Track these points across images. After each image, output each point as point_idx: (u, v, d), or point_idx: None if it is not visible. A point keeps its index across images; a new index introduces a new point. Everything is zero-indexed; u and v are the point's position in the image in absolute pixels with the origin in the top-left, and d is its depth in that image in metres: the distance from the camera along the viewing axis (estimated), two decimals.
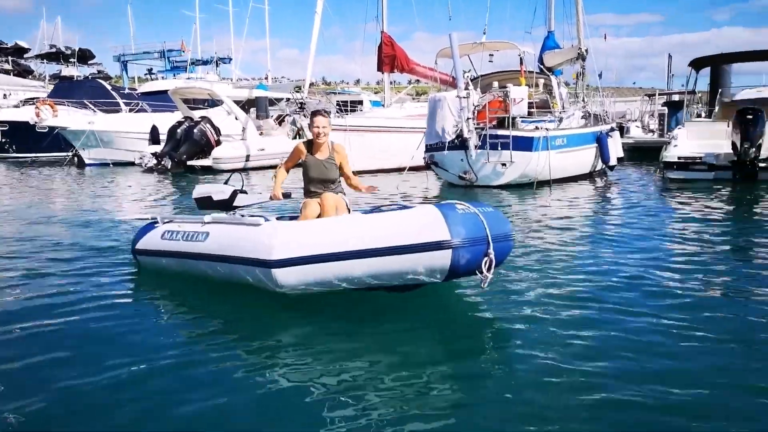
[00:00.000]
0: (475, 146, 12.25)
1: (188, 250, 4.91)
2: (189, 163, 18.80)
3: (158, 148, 19.08)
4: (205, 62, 40.82)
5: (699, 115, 16.12)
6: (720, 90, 16.08)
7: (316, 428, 2.80)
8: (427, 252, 3.88)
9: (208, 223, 4.94)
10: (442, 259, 3.88)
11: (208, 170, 18.44)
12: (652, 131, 24.59)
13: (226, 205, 5.21)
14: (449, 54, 13.07)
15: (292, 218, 5.07)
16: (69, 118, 21.93)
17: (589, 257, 6.09)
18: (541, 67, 16.23)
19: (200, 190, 5.42)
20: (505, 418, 2.89)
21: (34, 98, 27.80)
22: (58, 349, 3.79)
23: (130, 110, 24.78)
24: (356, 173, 5.08)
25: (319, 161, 4.80)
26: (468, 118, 12.22)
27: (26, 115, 23.27)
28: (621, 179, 14.41)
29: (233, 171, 5.64)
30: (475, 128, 12.33)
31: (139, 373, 3.43)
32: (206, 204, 5.32)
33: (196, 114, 20.47)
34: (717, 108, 15.27)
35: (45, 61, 39.96)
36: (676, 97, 24.55)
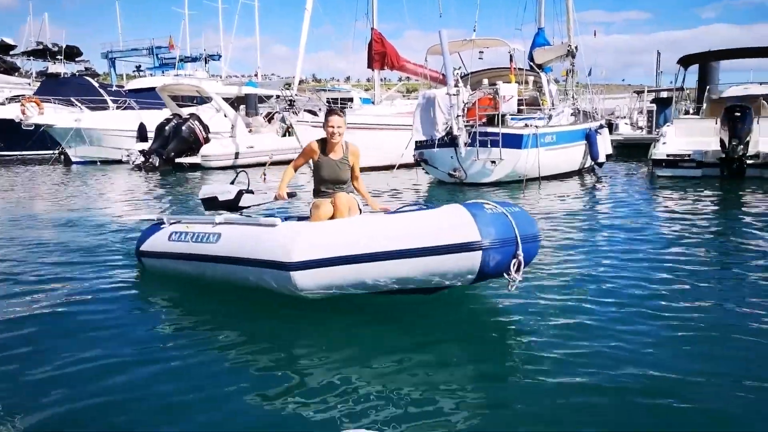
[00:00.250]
0: (465, 144, 12.24)
1: (198, 252, 4.69)
2: (177, 160, 18.68)
3: (146, 146, 18.95)
4: (194, 59, 40.53)
5: (687, 112, 16.23)
6: (708, 87, 16.21)
7: None
8: (456, 253, 3.72)
9: (220, 223, 4.73)
10: (472, 260, 3.72)
11: (196, 168, 18.33)
12: (641, 128, 24.74)
13: (232, 206, 5.06)
14: (439, 51, 13.04)
15: (300, 219, 4.91)
16: (55, 115, 21.73)
17: (578, 254, 6.09)
18: (531, 64, 16.26)
19: (206, 190, 5.27)
20: (527, 421, 2.87)
21: (19, 96, 27.48)
22: (63, 350, 3.67)
23: (118, 107, 24.58)
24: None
25: (333, 161, 4.61)
26: (458, 116, 12.21)
27: (12, 112, 23.02)
28: (610, 176, 14.46)
29: (239, 171, 5.46)
30: (465, 126, 12.33)
31: (155, 379, 3.30)
32: (212, 204, 5.16)
33: (185, 111, 20.34)
34: (705, 105, 15.38)
35: (31, 58, 39.44)
36: (664, 94, 24.75)
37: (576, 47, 17.09)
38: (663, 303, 4.46)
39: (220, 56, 39.66)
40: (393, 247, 3.81)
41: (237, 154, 19.19)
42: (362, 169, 4.89)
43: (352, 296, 4.22)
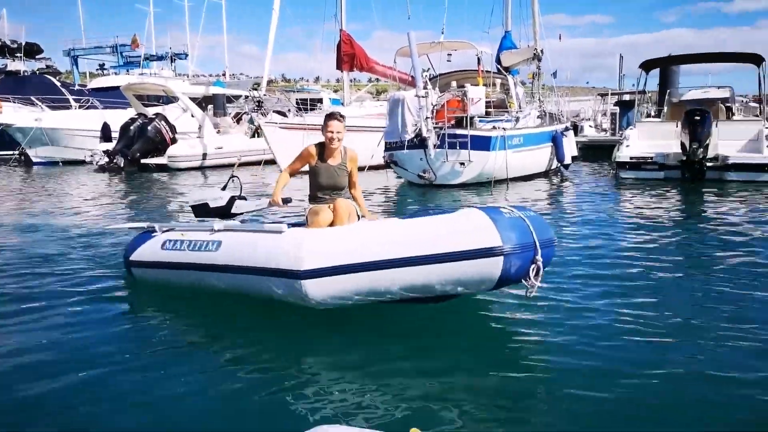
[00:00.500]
0: (434, 145, 12.33)
1: (196, 261, 4.45)
2: (143, 161, 18.34)
3: (110, 146, 18.54)
4: (160, 58, 39.81)
5: (649, 115, 16.66)
6: (668, 90, 16.68)
7: None
8: (477, 259, 3.58)
9: (220, 231, 4.51)
10: (493, 266, 3.59)
11: (163, 169, 18.02)
12: (605, 130, 25.23)
13: (224, 213, 4.85)
14: (408, 53, 13.11)
15: (294, 226, 4.69)
16: (15, 115, 21.10)
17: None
18: (498, 67, 16.44)
19: (196, 196, 5.08)
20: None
21: None
22: (55, 372, 3.50)
23: (80, 107, 23.96)
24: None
25: (331, 167, 4.49)
26: (427, 118, 12.29)
27: None
28: (575, 178, 14.74)
29: (231, 177, 5.23)
30: (434, 127, 12.42)
31: (154, 398, 3.20)
32: (203, 211, 4.95)
33: (150, 111, 19.97)
34: (666, 108, 15.82)
35: None
36: (627, 97, 25.29)
37: (542, 50, 17.36)
38: (620, 300, 4.61)
39: (186, 55, 39.09)
40: (411, 254, 3.66)
41: (205, 155, 18.93)
42: None
43: (361, 305, 4.06)
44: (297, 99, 23.65)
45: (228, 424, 2.95)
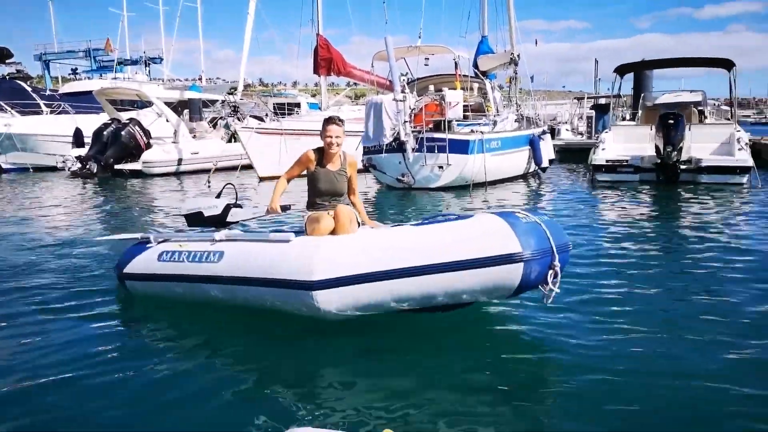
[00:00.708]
0: (413, 149, 12.32)
1: (197, 273, 4.25)
2: (117, 167, 18.00)
3: (83, 152, 18.16)
4: (134, 62, 39.22)
5: (624, 118, 16.90)
6: (643, 94, 16.96)
7: None
8: (498, 266, 3.48)
9: (221, 241, 4.31)
10: (513, 273, 3.49)
11: (137, 175, 17.71)
12: (581, 133, 25.55)
13: (219, 221, 4.64)
14: (386, 57, 13.10)
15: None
16: None
17: None
18: (476, 71, 16.53)
19: (190, 204, 4.83)
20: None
21: None
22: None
23: (52, 112, 23.46)
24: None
25: (330, 173, 4.34)
26: (405, 121, 12.28)
27: None
28: (553, 180, 14.85)
29: (226, 184, 5.00)
30: (412, 131, 12.41)
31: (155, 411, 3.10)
32: (197, 220, 4.75)
33: (124, 116, 19.62)
34: (640, 112, 16.07)
35: None
36: (602, 101, 25.67)
37: (518, 55, 17.49)
38: (595, 297, 4.68)
39: (161, 59, 38.57)
40: (430, 262, 3.54)
41: (180, 161, 18.65)
42: None
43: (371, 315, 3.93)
44: (274, 103, 23.47)
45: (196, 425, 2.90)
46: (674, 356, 3.61)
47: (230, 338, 4.10)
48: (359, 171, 14.29)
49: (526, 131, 15.17)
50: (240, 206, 4.73)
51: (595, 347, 3.75)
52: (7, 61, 38.61)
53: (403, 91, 12.25)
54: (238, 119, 15.51)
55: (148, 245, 4.71)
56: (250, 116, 17.11)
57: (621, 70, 16.29)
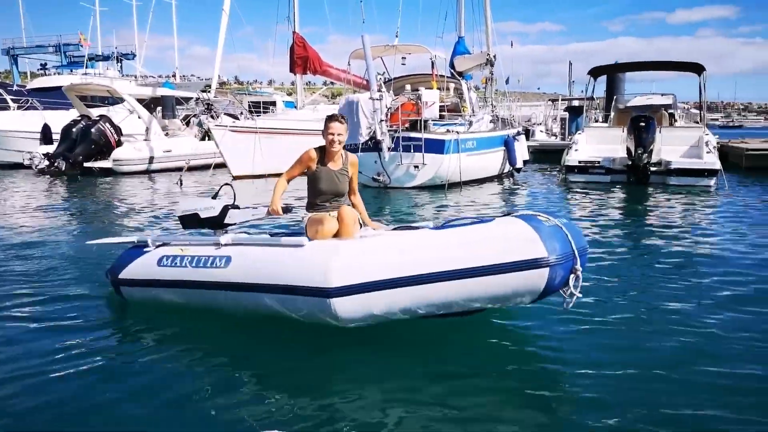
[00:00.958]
0: (389, 148, 12.31)
1: (202, 279, 4.05)
2: (86, 164, 17.62)
3: (51, 149, 17.75)
4: (106, 58, 38.47)
5: (597, 120, 17.14)
6: (615, 97, 17.22)
7: None
8: (523, 271, 3.37)
9: (227, 245, 4.11)
10: (538, 278, 3.38)
11: (108, 173, 17.36)
12: (555, 135, 25.86)
13: (216, 223, 4.44)
14: (362, 56, 13.05)
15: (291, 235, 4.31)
16: None
17: None
18: (452, 71, 16.60)
19: (185, 206, 4.59)
20: None
21: None
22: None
23: (19, 107, 22.87)
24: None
25: (332, 172, 4.16)
26: (381, 120, 12.25)
27: None
28: (527, 181, 14.99)
29: (223, 184, 4.76)
30: (388, 130, 12.39)
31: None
32: (193, 222, 4.52)
33: (94, 112, 19.22)
34: (612, 114, 16.31)
35: None
36: (576, 103, 26.02)
37: (494, 56, 17.63)
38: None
39: (134, 55, 37.85)
40: (454, 267, 3.42)
41: (152, 159, 18.34)
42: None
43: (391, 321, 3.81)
44: (250, 102, 23.23)
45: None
46: (647, 348, 3.73)
47: (228, 342, 4.00)
48: None
49: (501, 132, 15.29)
50: (238, 207, 4.53)
51: (578, 346, 3.82)
52: None
53: (379, 90, 12.23)
54: (212, 117, 15.28)
55: (145, 249, 4.47)
56: (225, 114, 16.87)
57: (594, 73, 16.53)
